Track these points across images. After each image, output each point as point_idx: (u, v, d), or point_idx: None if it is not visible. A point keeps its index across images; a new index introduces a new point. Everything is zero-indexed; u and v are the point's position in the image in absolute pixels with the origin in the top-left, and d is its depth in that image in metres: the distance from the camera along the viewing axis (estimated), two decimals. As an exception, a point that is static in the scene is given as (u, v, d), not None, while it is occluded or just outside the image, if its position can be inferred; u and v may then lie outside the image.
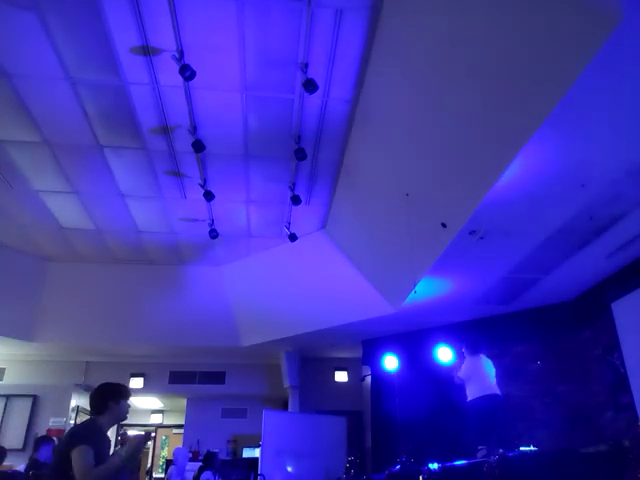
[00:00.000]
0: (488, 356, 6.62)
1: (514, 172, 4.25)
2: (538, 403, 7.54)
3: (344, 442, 9.17)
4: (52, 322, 8.74)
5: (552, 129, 3.72)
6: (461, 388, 7.05)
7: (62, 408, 9.89)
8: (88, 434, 2.89)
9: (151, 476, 12.32)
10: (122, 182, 6.63)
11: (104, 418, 3.05)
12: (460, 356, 6.98)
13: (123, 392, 3.17)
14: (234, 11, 4.33)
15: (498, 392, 6.23)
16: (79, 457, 2.73)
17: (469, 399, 6.35)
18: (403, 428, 7.98)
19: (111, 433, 12.08)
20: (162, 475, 11.92)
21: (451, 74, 4.18)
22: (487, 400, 6.13)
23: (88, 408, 3.25)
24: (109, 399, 3.07)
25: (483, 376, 6.27)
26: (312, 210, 7.39)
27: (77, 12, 4.32)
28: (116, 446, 10.60)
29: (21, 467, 6.59)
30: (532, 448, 5.09)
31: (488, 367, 6.40)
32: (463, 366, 6.52)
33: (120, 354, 10.10)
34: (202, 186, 6.47)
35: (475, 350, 6.53)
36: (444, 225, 5.34)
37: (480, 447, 5.67)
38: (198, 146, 5.51)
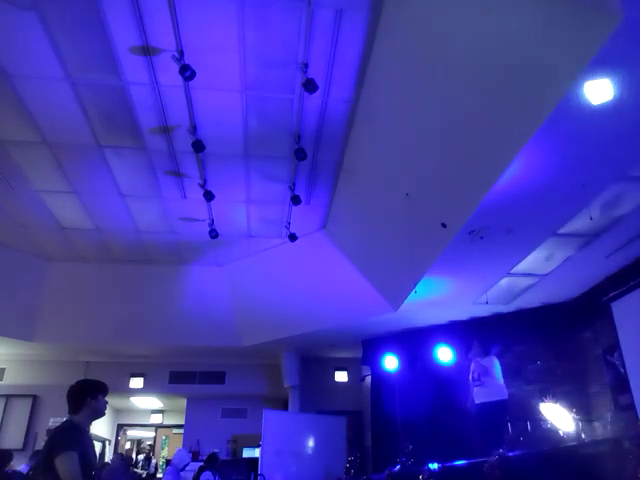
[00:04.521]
0: (497, 356, 6.61)
1: (514, 172, 4.25)
2: (538, 403, 7.54)
3: (344, 442, 9.17)
4: (52, 322, 8.74)
5: (552, 129, 3.72)
6: (461, 388, 7.05)
7: (62, 408, 9.78)
8: (70, 438, 2.82)
9: (154, 476, 12.31)
10: (122, 182, 6.63)
11: (82, 416, 3.00)
12: (463, 356, 6.98)
13: (101, 388, 3.13)
14: (234, 11, 4.33)
15: (506, 397, 6.24)
16: (65, 465, 2.68)
17: (477, 402, 6.32)
18: (403, 428, 7.98)
19: (111, 433, 12.08)
20: (162, 475, 11.91)
21: (451, 74, 4.18)
22: (495, 405, 6.13)
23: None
24: (88, 395, 3.03)
25: (495, 380, 6.25)
26: (312, 210, 7.38)
27: (77, 12, 4.32)
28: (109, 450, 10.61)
29: (22, 467, 6.59)
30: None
31: (499, 370, 6.37)
32: (472, 368, 6.50)
33: (120, 354, 10.10)
34: (202, 186, 6.47)
35: (487, 352, 6.51)
36: (444, 225, 5.34)
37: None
38: (198, 146, 5.51)
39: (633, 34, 2.92)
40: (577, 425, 6.87)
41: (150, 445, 13.72)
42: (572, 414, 6.89)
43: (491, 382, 6.24)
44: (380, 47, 4.66)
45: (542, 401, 7.44)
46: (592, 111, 3.59)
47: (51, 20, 4.37)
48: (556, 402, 7.14)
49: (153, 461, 12.62)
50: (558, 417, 7.05)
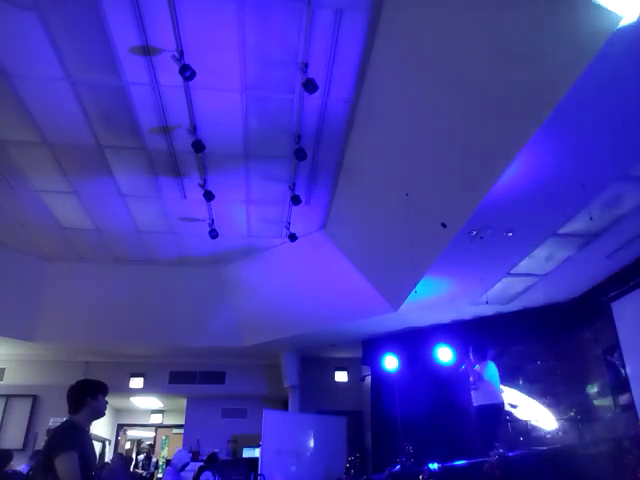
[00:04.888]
0: (493, 359, 6.65)
1: (514, 172, 4.25)
2: (538, 403, 7.54)
3: (344, 442, 9.17)
4: (52, 322, 8.74)
5: (552, 129, 3.72)
6: (461, 388, 7.06)
7: (62, 408, 9.77)
8: (70, 438, 2.82)
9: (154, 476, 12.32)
10: (122, 182, 6.63)
11: (82, 416, 3.00)
12: (462, 357, 7.00)
13: (101, 388, 3.12)
14: (234, 11, 4.33)
15: (502, 400, 6.30)
16: (65, 465, 2.67)
17: (475, 404, 6.40)
18: (403, 428, 7.98)
19: (111, 433, 12.08)
20: (161, 475, 11.91)
21: (451, 74, 4.18)
22: (491, 408, 6.19)
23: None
24: (88, 395, 3.02)
25: (489, 384, 6.32)
26: (312, 210, 7.38)
27: (77, 12, 4.32)
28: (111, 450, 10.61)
29: (22, 467, 6.59)
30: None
31: (494, 375, 6.43)
32: (471, 373, 6.55)
33: (120, 354, 10.10)
34: (202, 186, 6.47)
35: (482, 356, 6.56)
36: (444, 225, 5.34)
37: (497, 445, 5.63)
38: (198, 146, 5.51)
39: (633, 35, 2.92)
40: (557, 421, 6.89)
41: (150, 445, 13.72)
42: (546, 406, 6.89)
43: (485, 386, 6.31)
44: (380, 47, 4.66)
45: (541, 402, 7.45)
46: (592, 111, 3.60)
47: (51, 20, 4.37)
48: (554, 402, 7.17)
49: (153, 460, 12.60)
50: (533, 412, 7.05)
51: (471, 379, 6.51)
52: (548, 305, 7.73)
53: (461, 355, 7.24)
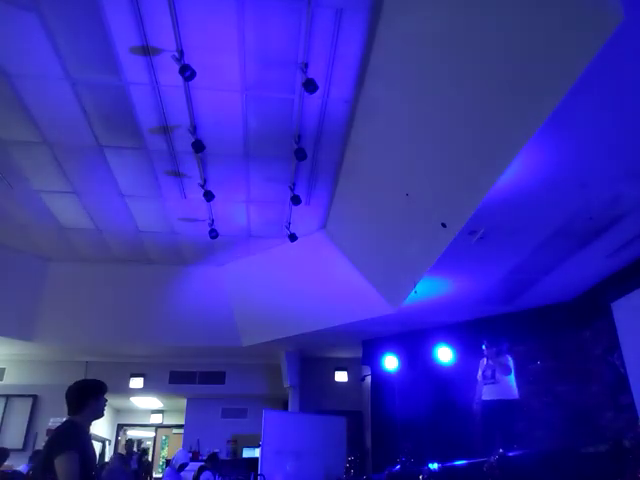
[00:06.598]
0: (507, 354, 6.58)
1: (514, 172, 4.25)
2: (538, 403, 7.53)
3: (344, 442, 9.17)
4: (52, 322, 8.74)
5: (552, 129, 3.72)
6: (462, 388, 7.05)
7: (62, 408, 9.76)
8: (70, 438, 2.82)
9: (151, 476, 12.27)
10: (122, 182, 6.63)
11: (83, 416, 2.99)
12: (463, 356, 6.98)
13: (102, 388, 3.13)
14: (234, 11, 4.33)
15: (517, 397, 6.24)
16: (64, 465, 2.68)
17: (484, 398, 6.32)
18: (403, 428, 7.98)
19: (111, 433, 12.08)
20: (161, 475, 11.89)
21: (451, 74, 4.18)
22: (505, 404, 6.14)
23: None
24: (89, 395, 3.02)
25: (509, 379, 6.26)
26: (312, 210, 7.38)
27: (77, 12, 4.31)
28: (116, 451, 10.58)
29: (22, 467, 6.60)
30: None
31: (512, 369, 6.37)
32: (483, 365, 6.49)
33: (120, 354, 10.11)
34: (202, 186, 6.47)
35: (499, 350, 6.50)
36: (444, 225, 5.34)
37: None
38: (198, 146, 5.52)
39: (634, 33, 2.92)
40: None
41: (131, 440, 13.44)
42: None
43: (505, 381, 6.24)
44: (380, 47, 4.66)
45: (541, 402, 7.43)
46: (592, 111, 3.60)
47: (51, 20, 4.37)
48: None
49: (135, 457, 12.18)
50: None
51: (485, 373, 6.39)
52: (548, 305, 7.72)
53: (461, 355, 7.24)
